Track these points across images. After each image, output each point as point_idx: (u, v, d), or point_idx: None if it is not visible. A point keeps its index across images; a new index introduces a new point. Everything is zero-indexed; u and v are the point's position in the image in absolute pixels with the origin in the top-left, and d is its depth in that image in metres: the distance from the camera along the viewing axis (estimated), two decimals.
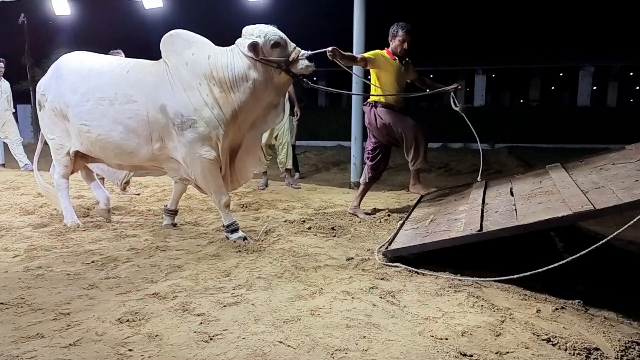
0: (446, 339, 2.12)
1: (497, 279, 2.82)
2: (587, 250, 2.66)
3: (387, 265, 3.06)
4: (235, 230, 3.70)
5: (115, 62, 3.83)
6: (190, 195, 5.30)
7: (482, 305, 2.48)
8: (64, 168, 4.13)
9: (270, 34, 3.44)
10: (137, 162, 3.84)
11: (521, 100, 25.57)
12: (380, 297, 2.54)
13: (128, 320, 2.27)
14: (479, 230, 2.94)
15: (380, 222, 4.22)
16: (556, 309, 2.59)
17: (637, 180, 3.00)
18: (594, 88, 22.41)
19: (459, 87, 4.44)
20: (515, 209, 3.21)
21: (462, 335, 2.17)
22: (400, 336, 2.10)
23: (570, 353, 2.17)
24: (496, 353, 2.06)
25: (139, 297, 2.57)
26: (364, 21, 6.17)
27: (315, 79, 18.88)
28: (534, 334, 2.28)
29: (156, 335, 2.11)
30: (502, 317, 2.40)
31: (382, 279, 2.84)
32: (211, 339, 2.07)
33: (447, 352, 2.00)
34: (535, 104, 22.51)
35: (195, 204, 5.07)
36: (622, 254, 4.12)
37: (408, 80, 4.44)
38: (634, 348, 2.30)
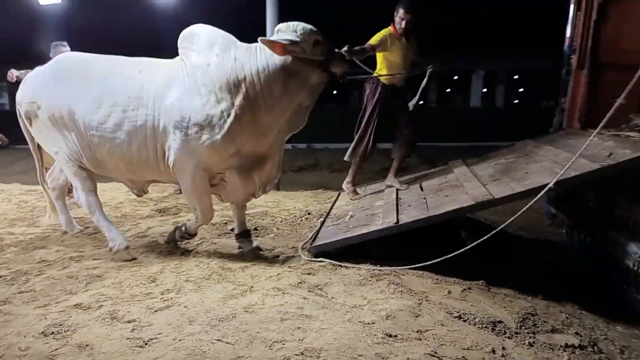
0: (373, 323, 2.30)
1: (412, 266, 3.07)
2: (485, 237, 3.00)
3: (312, 260, 3.20)
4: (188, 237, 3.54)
5: (126, 61, 3.35)
6: None
7: (401, 291, 2.70)
8: (85, 181, 3.49)
9: (313, 31, 3.13)
10: (152, 176, 3.39)
11: (421, 102, 27.21)
12: (309, 291, 2.67)
13: (53, 333, 2.18)
14: (396, 223, 3.18)
15: (302, 220, 4.36)
16: (464, 289, 2.89)
17: (526, 172, 3.43)
18: (484, 90, 24.44)
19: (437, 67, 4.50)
20: (426, 202, 3.50)
21: (387, 318, 2.37)
22: (332, 324, 2.25)
23: (479, 327, 2.46)
24: (417, 332, 2.28)
25: (60, 309, 2.46)
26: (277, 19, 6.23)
27: None
28: (447, 312, 2.54)
29: (87, 345, 2.06)
30: (419, 300, 2.64)
31: (308, 274, 2.97)
32: (146, 344, 2.06)
33: (375, 335, 2.18)
34: (434, 105, 24.04)
35: (108, 211, 4.86)
36: (514, 239, 4.64)
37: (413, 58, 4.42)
38: (530, 319, 2.65)
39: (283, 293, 2.60)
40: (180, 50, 3.29)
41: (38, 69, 3.58)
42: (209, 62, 3.11)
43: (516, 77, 26.83)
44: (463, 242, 4.05)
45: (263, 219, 4.43)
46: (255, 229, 4.06)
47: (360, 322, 2.31)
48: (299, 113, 3.27)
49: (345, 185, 4.59)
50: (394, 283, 2.80)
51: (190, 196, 3.30)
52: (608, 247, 3.27)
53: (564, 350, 2.41)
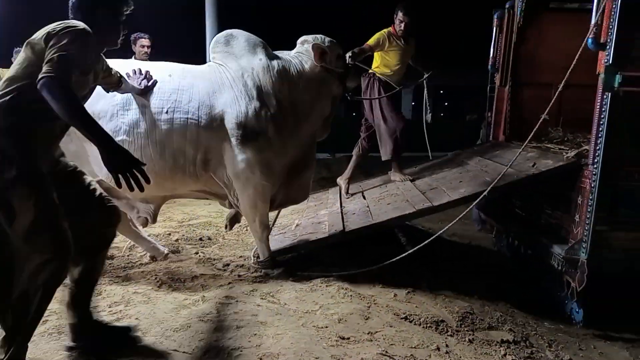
0: (326, 327, 2.38)
1: (359, 271, 3.18)
2: (425, 243, 3.20)
3: (261, 269, 3.23)
4: (272, 265, 3.23)
5: (148, 65, 3.10)
6: None
7: (351, 295, 2.81)
8: None
9: (337, 44, 3.28)
10: (183, 187, 3.13)
11: (354, 114, 27.91)
12: (262, 298, 2.70)
13: None
14: (342, 230, 3.29)
15: (247, 229, 4.36)
16: (408, 292, 3.04)
17: (460, 181, 3.67)
18: (413, 104, 25.55)
19: (432, 74, 4.65)
20: (370, 211, 3.65)
21: (339, 322, 2.46)
22: (287, 329, 2.30)
23: (423, 327, 2.61)
24: (368, 333, 2.39)
25: None
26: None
27: None
28: (394, 314, 2.67)
29: None
30: (368, 303, 2.75)
31: (259, 282, 3.00)
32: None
33: (329, 338, 2.26)
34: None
35: None
36: (448, 244, 4.92)
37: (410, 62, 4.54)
38: (468, 317, 2.84)
39: (237, 301, 2.62)
40: (216, 55, 3.18)
41: None
42: (253, 66, 3.07)
43: (442, 91, 28.34)
44: (403, 247, 4.27)
45: (208, 229, 4.39)
46: (201, 239, 4.03)
47: (314, 326, 2.38)
48: (325, 122, 3.38)
49: (341, 180, 4.63)
50: (343, 288, 2.90)
51: (252, 208, 3.10)
52: (535, 250, 3.57)
53: (500, 346, 2.61)
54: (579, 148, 3.45)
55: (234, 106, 2.96)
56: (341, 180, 4.64)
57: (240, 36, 3.18)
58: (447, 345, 2.43)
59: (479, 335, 2.70)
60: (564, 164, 3.19)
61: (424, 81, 4.70)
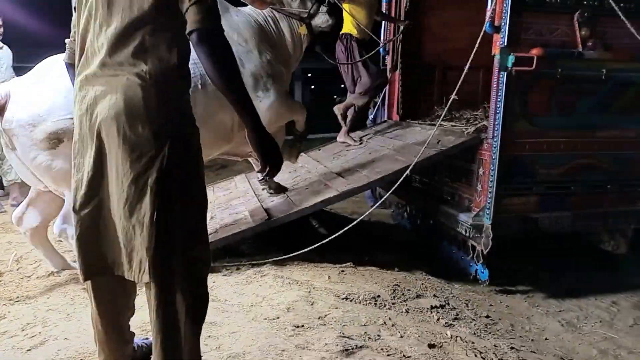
0: (277, 317, 2.33)
1: (286, 256, 3.15)
2: (349, 227, 3.28)
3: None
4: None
5: None
6: None
7: (289, 283, 2.77)
8: None
9: None
10: (213, 155, 3.30)
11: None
12: None
13: None
14: (267, 219, 3.21)
15: None
16: (339, 272, 3.10)
17: (374, 161, 3.81)
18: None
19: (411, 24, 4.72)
20: (289, 197, 3.61)
21: (288, 311, 2.41)
22: (240, 326, 2.20)
23: (364, 304, 2.68)
24: (318, 318, 2.38)
25: None
26: None
27: None
28: (335, 296, 2.70)
29: None
30: (307, 288, 2.74)
31: None
32: None
33: (285, 328, 2.21)
34: None
35: None
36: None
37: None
38: (398, 289, 2.98)
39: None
40: None
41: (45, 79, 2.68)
42: (238, 24, 3.21)
43: (309, 75, 29.02)
44: (317, 230, 4.33)
45: None
46: None
47: (265, 319, 2.31)
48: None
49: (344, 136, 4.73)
50: (279, 276, 2.85)
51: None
52: (440, 220, 3.85)
53: (431, 312, 2.80)
54: (473, 124, 3.79)
55: (245, 63, 3.12)
56: (343, 139, 4.73)
57: None
58: (390, 319, 2.52)
59: (411, 304, 2.85)
60: (466, 139, 3.47)
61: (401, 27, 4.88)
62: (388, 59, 5.23)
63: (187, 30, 1.36)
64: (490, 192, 3.30)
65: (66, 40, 1.86)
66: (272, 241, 3.54)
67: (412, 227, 4.73)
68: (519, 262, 3.92)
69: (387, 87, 5.22)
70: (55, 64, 2.68)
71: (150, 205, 1.37)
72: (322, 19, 3.48)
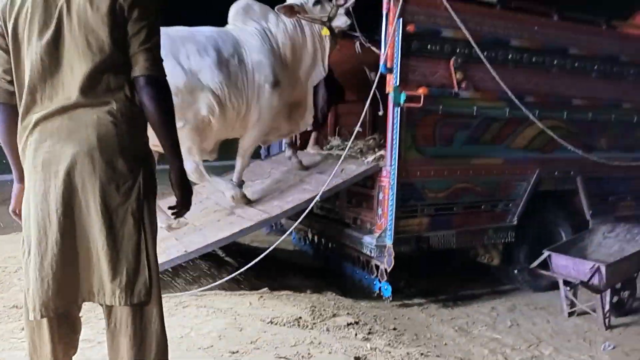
0: (212, 346, 2.36)
1: (208, 286, 3.16)
2: (262, 255, 3.42)
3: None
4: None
5: (212, 29, 3.86)
6: None
7: (213, 312, 2.80)
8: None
9: None
10: (233, 133, 3.99)
11: None
12: None
13: None
14: (185, 252, 3.19)
15: None
16: (259, 298, 3.19)
17: (282, 192, 3.98)
18: None
19: None
20: (201, 229, 3.61)
21: (220, 339, 2.45)
22: (176, 357, 2.18)
23: (288, 326, 2.81)
24: (251, 343, 2.46)
25: None
26: None
27: None
28: (261, 320, 2.79)
29: None
30: (233, 315, 2.80)
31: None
32: None
33: (222, 355, 2.27)
34: None
35: None
36: (253, 250, 5.17)
37: None
38: (315, 310, 3.15)
39: (98, 342, 2.31)
40: (236, 21, 3.95)
41: None
42: (269, 28, 3.89)
43: None
44: (223, 259, 4.34)
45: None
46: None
47: (199, 348, 2.32)
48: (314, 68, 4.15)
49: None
50: (201, 306, 2.86)
51: (260, 133, 3.99)
52: (345, 243, 4.12)
53: (349, 328, 3.01)
54: (369, 153, 4.17)
55: (266, 58, 3.77)
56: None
57: (255, 5, 3.99)
58: (315, 338, 2.68)
59: (329, 323, 3.04)
60: (368, 168, 3.80)
61: None
62: None
63: (136, 74, 1.49)
64: (390, 215, 3.65)
65: None
66: (185, 272, 3.50)
67: (315, 251, 4.95)
68: (413, 277, 4.34)
69: None
70: None
71: (135, 232, 1.47)
72: (341, 20, 4.00)
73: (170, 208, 1.69)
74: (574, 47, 4.33)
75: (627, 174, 4.77)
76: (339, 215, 4.36)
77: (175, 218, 1.86)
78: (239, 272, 3.23)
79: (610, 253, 3.89)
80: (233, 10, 3.97)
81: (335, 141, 5.38)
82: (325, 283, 4.11)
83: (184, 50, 3.51)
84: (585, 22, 4.52)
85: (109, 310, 1.50)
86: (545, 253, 3.78)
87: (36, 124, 1.48)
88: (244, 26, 3.88)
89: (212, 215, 3.82)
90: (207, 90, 3.50)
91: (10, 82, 1.56)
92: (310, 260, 4.95)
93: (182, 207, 1.66)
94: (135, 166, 1.50)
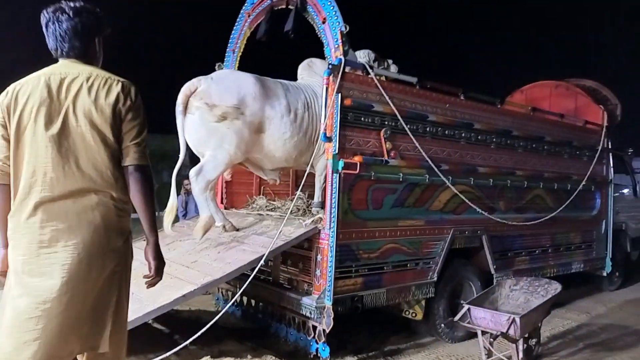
0: None
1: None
2: (208, 325, 3.35)
3: None
4: None
5: (286, 83, 4.60)
6: None
7: None
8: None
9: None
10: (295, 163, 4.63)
11: None
12: None
13: None
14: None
15: None
16: None
17: (219, 252, 3.95)
18: None
19: None
20: (134, 295, 3.42)
21: None
22: None
23: None
24: None
25: None
26: None
27: None
28: None
29: None
30: None
31: None
32: None
33: None
34: None
35: None
36: (178, 315, 4.96)
37: None
38: None
39: None
40: (304, 75, 4.82)
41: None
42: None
43: None
44: (151, 326, 4.12)
45: None
46: None
47: None
48: None
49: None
50: None
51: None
52: (281, 304, 4.15)
53: None
54: (301, 215, 4.32)
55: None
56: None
57: (316, 61, 4.79)
58: None
59: None
60: (307, 230, 3.94)
61: None
62: None
63: (126, 163, 1.90)
64: (329, 276, 3.79)
65: None
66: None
67: (243, 312, 4.88)
68: (345, 335, 4.47)
69: None
70: None
71: (116, 291, 1.92)
72: (393, 69, 4.88)
73: (145, 277, 2.04)
74: (477, 122, 4.98)
75: (521, 232, 5.46)
76: (272, 276, 4.39)
77: (147, 287, 2.12)
78: (184, 344, 3.11)
79: (517, 304, 4.37)
80: (302, 66, 4.86)
81: (261, 200, 5.47)
82: (262, 346, 4.08)
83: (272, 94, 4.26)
84: (484, 101, 5.23)
85: None
86: (465, 307, 4.14)
87: (40, 204, 1.80)
88: (310, 79, 4.69)
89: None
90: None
91: (8, 166, 1.87)
92: (238, 321, 4.86)
93: (156, 275, 2.05)
94: (127, 239, 1.96)
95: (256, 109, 4.10)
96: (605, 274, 6.95)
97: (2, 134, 1.86)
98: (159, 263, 2.02)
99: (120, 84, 1.89)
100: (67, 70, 1.87)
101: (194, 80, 4.11)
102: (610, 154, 6.94)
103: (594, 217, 6.69)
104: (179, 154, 4.20)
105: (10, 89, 1.87)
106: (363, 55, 4.74)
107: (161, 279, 2.07)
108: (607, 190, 6.88)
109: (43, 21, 1.91)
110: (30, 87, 1.83)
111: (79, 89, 1.83)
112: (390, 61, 5.06)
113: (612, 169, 6.98)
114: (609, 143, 6.87)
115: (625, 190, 8.10)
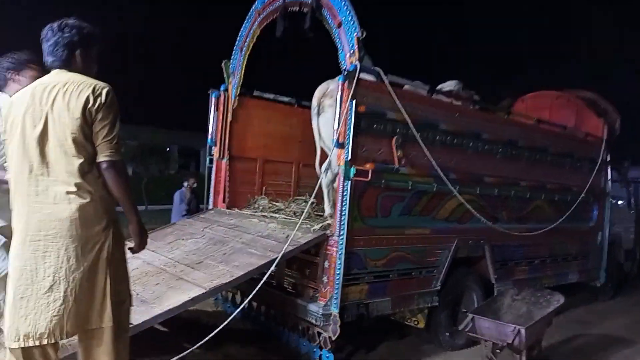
0: None
1: None
2: (213, 334, 3.30)
3: None
4: None
5: None
6: None
7: None
8: None
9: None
10: None
11: None
12: None
13: None
14: (131, 325, 2.95)
15: None
16: None
17: (224, 254, 3.90)
18: None
19: None
20: (139, 296, 3.36)
21: None
22: None
23: None
24: None
25: None
26: None
27: None
28: None
29: None
30: None
31: None
32: None
33: None
34: None
35: None
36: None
37: None
38: None
39: None
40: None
41: None
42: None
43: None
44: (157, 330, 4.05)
45: None
46: None
47: None
48: None
49: None
50: None
51: None
52: (282, 308, 4.12)
53: None
54: (312, 219, 4.29)
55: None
56: None
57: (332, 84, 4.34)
58: None
59: None
60: (316, 236, 3.90)
61: None
62: (215, 150, 5.40)
63: (99, 159, 2.16)
64: (337, 283, 3.76)
65: None
66: None
67: (245, 314, 4.83)
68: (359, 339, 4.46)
69: (213, 176, 5.38)
70: None
71: (103, 278, 2.18)
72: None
73: (130, 249, 2.35)
74: (485, 132, 4.97)
75: (522, 242, 5.49)
76: (275, 280, 4.34)
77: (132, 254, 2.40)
78: (191, 349, 3.06)
79: (519, 314, 4.39)
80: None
81: (263, 200, 5.43)
82: (264, 351, 4.05)
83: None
84: (492, 111, 5.24)
85: None
86: (470, 316, 4.15)
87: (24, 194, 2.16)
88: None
89: (152, 279, 3.59)
90: None
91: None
92: (238, 323, 4.81)
93: (139, 248, 2.39)
94: (107, 229, 2.20)
95: None
96: (599, 285, 7.03)
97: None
98: (142, 238, 2.38)
99: (91, 87, 2.13)
100: (52, 79, 2.20)
101: (324, 83, 4.52)
102: (609, 167, 7.01)
103: (591, 228, 6.76)
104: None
105: (10, 99, 2.25)
106: (453, 85, 5.11)
107: (144, 247, 2.43)
108: (605, 202, 6.95)
109: (41, 38, 2.27)
110: (22, 96, 2.20)
111: (56, 94, 2.12)
112: (473, 92, 5.29)
113: (610, 182, 7.05)
114: (608, 156, 6.93)
115: (620, 202, 8.21)
